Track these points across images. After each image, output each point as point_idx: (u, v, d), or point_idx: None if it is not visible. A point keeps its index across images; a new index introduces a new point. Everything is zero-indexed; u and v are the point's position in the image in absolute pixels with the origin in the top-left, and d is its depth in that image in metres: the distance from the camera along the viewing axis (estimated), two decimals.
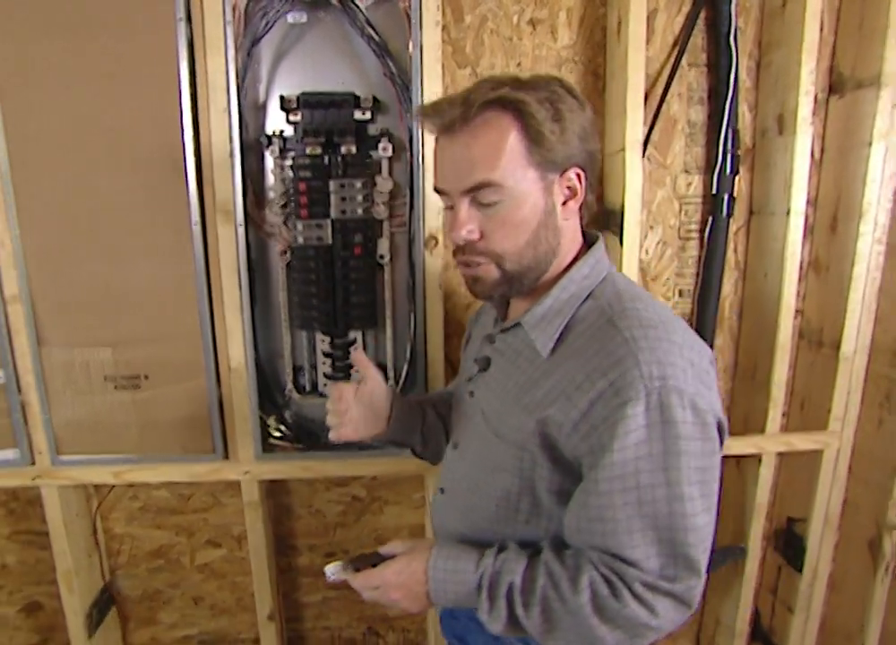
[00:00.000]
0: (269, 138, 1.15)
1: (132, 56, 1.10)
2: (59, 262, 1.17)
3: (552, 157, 0.71)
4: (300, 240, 1.14)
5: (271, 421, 1.23)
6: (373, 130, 1.17)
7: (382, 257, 1.18)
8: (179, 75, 1.10)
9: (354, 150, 1.15)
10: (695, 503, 0.67)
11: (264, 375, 1.22)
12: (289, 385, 1.23)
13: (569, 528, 0.73)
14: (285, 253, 1.17)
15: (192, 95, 1.11)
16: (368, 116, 1.15)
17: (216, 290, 1.15)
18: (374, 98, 1.15)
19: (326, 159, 1.14)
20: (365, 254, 1.17)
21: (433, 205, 1.15)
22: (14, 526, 1.41)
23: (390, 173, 1.17)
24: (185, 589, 1.48)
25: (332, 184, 1.14)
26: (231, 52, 1.10)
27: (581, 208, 0.77)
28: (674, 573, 0.68)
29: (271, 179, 1.17)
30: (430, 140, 1.13)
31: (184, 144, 1.11)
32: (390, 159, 1.16)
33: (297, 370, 1.23)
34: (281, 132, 1.16)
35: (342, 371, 1.22)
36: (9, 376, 1.22)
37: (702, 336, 1.30)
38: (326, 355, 1.22)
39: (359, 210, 1.15)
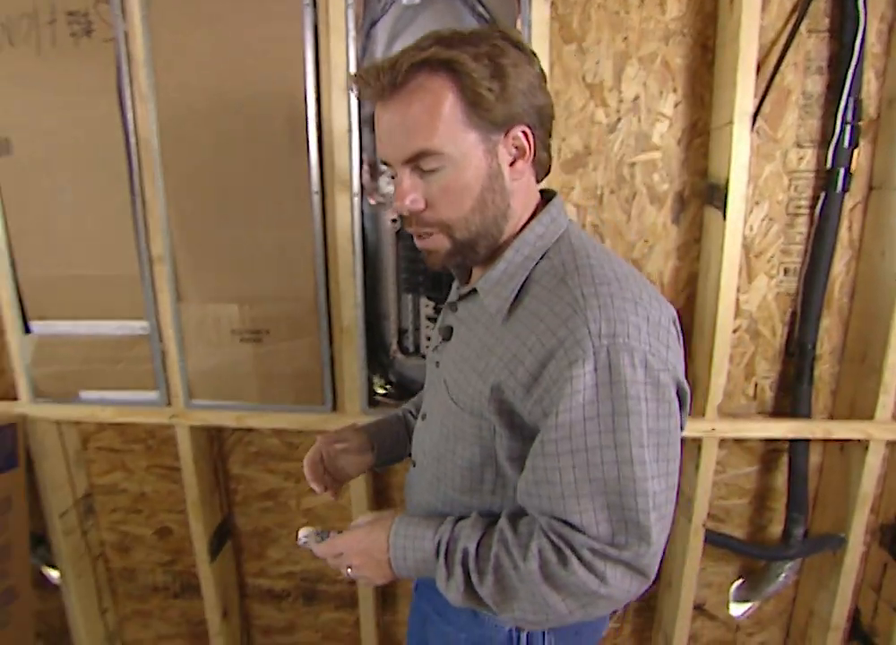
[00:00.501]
0: None
1: (264, 40, 1.22)
2: (197, 227, 1.32)
3: (493, 117, 0.67)
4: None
5: (377, 379, 1.33)
6: None
7: None
8: (305, 56, 1.20)
9: None
10: (647, 467, 0.63)
11: (372, 336, 1.32)
12: (394, 346, 1.32)
13: (520, 493, 0.71)
14: (395, 221, 1.26)
15: (316, 75, 1.21)
16: None
17: (332, 255, 1.26)
18: None
19: None
20: None
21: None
22: (151, 460, 1.61)
23: None
24: (290, 530, 1.63)
25: None
26: (352, 34, 1.19)
27: (534, 166, 0.74)
28: (624, 540, 0.65)
29: None
30: None
31: (307, 120, 1.21)
32: None
33: (401, 332, 1.32)
34: None
35: None
36: (152, 328, 1.39)
37: (807, 315, 1.30)
38: (429, 318, 1.30)
39: None
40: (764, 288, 1.34)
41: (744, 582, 1.56)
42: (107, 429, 1.59)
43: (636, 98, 1.26)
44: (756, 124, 1.22)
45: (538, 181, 0.77)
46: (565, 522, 0.66)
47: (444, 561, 0.70)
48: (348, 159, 1.21)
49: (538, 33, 1.16)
